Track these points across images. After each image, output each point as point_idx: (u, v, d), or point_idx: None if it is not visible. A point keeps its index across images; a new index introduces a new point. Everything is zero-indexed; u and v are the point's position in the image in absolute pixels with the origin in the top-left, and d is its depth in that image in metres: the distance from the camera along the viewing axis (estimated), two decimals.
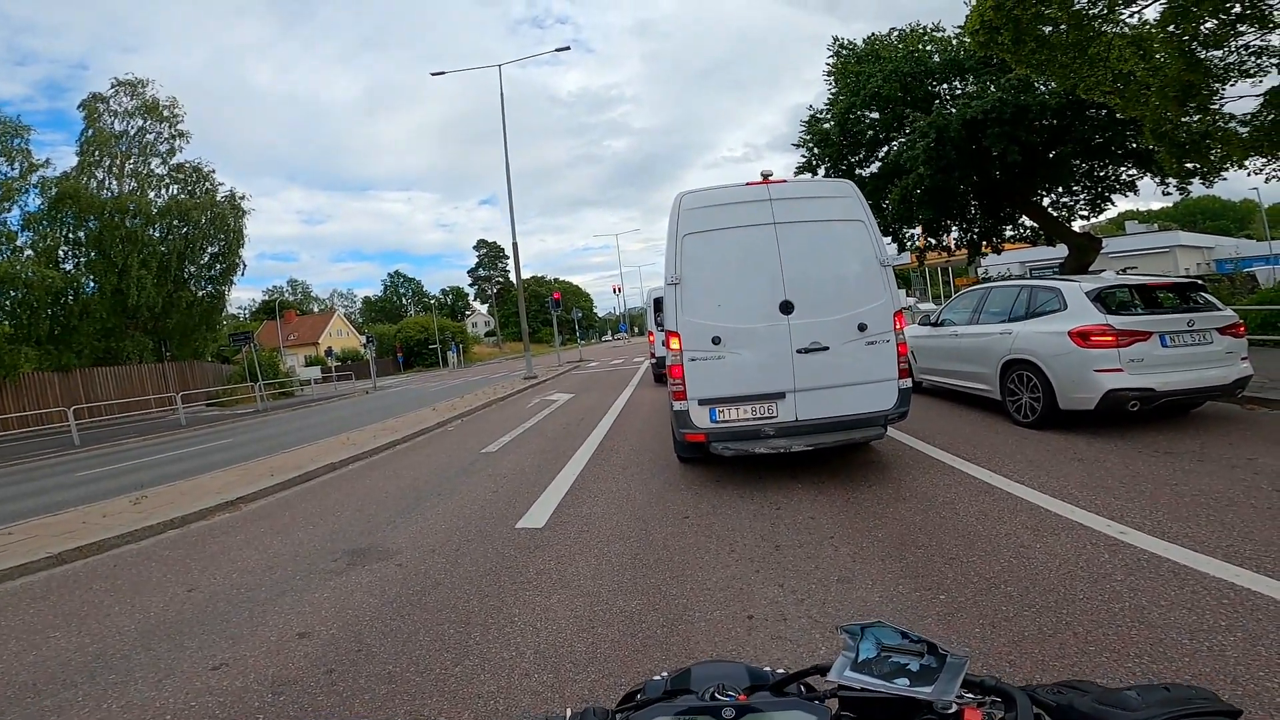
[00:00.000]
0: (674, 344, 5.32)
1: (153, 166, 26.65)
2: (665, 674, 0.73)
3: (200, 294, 28.14)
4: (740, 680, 0.69)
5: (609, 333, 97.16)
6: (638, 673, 2.69)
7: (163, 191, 26.65)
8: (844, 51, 18.38)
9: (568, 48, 26.11)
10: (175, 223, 26.04)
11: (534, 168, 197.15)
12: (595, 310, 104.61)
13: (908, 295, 32.07)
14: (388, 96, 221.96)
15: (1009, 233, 19.26)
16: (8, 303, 20.78)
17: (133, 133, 26.14)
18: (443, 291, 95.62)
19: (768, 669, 0.72)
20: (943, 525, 4.15)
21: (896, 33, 17.85)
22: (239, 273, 29.33)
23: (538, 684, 2.73)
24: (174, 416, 19.61)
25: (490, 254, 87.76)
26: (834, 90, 18.36)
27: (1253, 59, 9.32)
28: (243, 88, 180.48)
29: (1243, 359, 6.14)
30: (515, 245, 22.97)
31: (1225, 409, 6.69)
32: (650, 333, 15.20)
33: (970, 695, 0.64)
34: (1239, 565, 3.13)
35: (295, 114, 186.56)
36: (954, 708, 0.62)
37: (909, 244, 20.10)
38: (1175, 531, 3.64)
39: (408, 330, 62.68)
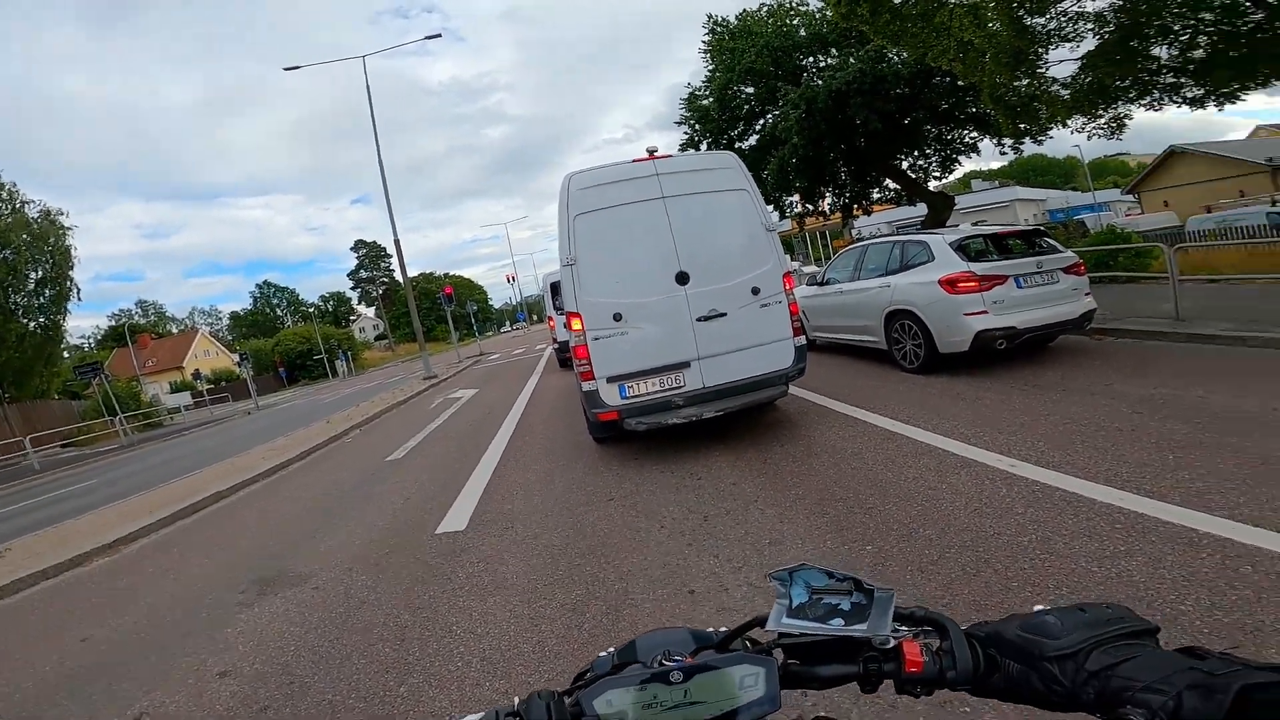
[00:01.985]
0: (576, 325, 5.33)
1: None
2: (611, 650, 0.72)
3: (32, 326, 25.05)
4: (685, 644, 0.70)
5: (507, 323, 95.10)
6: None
7: None
8: (718, 29, 18.76)
9: (438, 35, 24.75)
10: None
11: (410, 161, 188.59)
12: (491, 302, 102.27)
13: (792, 259, 33.66)
14: (235, 98, 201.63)
15: (876, 195, 20.59)
16: None
17: None
18: (322, 298, 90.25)
19: (710, 630, 0.73)
20: (856, 476, 4.41)
21: (766, 8, 18.40)
22: (73, 298, 26.34)
23: (491, 692, 2.66)
24: (26, 462, 17.35)
25: (371, 254, 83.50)
26: (710, 68, 18.80)
27: (1070, 25, 10.39)
28: (55, 100, 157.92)
29: (1086, 294, 6.92)
30: (397, 243, 21.77)
31: (1077, 341, 7.52)
32: (550, 318, 15.08)
33: (904, 628, 0.66)
34: (1121, 489, 3.46)
35: (122, 122, 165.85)
36: (891, 642, 0.64)
37: (789, 211, 21.11)
38: (1058, 460, 4.03)
39: (286, 342, 58.26)
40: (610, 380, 5.33)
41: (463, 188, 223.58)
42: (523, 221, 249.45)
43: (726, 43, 18.15)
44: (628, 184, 5.37)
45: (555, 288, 13.69)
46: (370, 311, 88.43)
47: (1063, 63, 10.97)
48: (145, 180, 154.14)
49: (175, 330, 76.45)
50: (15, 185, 25.22)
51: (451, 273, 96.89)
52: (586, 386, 5.39)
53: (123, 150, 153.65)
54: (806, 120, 15.54)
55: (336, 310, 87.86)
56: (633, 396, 5.37)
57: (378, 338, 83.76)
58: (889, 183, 19.65)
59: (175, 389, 45.85)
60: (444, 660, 2.97)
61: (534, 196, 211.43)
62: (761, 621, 0.69)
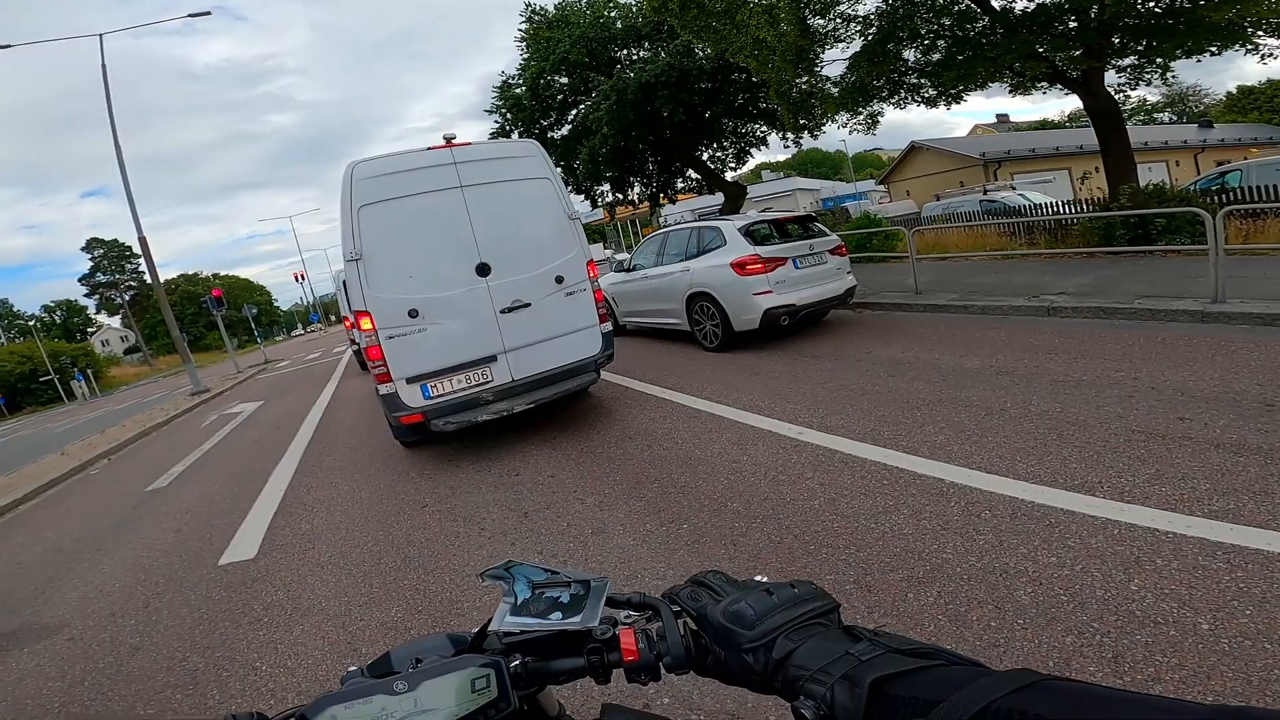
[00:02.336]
0: (365, 324, 4.93)
1: None
2: (359, 666, 0.68)
3: None
4: (444, 650, 0.68)
5: (299, 326, 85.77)
6: None
7: None
8: (535, 17, 18.66)
9: (208, 13, 20.93)
10: None
11: (168, 152, 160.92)
12: (277, 303, 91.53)
13: (604, 248, 34.43)
14: None
15: (680, 185, 21.87)
16: None
17: None
18: (46, 308, 73.76)
19: (471, 631, 0.71)
20: (668, 456, 4.61)
21: None
22: None
23: None
24: None
25: (111, 254, 69.78)
26: (525, 56, 18.65)
27: (844, 26, 11.80)
28: None
29: (848, 273, 7.95)
30: (143, 240, 17.96)
31: (844, 316, 8.63)
32: (346, 318, 14.14)
33: (626, 615, 0.66)
34: (885, 447, 3.95)
35: None
36: (611, 632, 0.64)
37: (600, 200, 21.55)
38: (835, 424, 4.55)
39: (2, 364, 46.85)
40: (410, 380, 5.03)
41: (238, 180, 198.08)
42: (315, 215, 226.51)
43: (543, 32, 18.17)
44: (421, 173, 5.07)
45: (348, 285, 12.80)
46: (115, 321, 74.41)
47: (835, 63, 12.46)
48: None
49: None
50: None
51: (224, 272, 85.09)
52: (384, 389, 5.02)
53: None
54: (617, 111, 16.00)
55: (68, 322, 72.58)
56: (437, 396, 5.12)
57: (128, 350, 70.91)
58: (691, 172, 20.84)
59: None
60: (252, 700, 2.63)
61: (329, 188, 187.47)
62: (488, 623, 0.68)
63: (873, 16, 11.70)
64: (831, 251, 7.78)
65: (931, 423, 4.24)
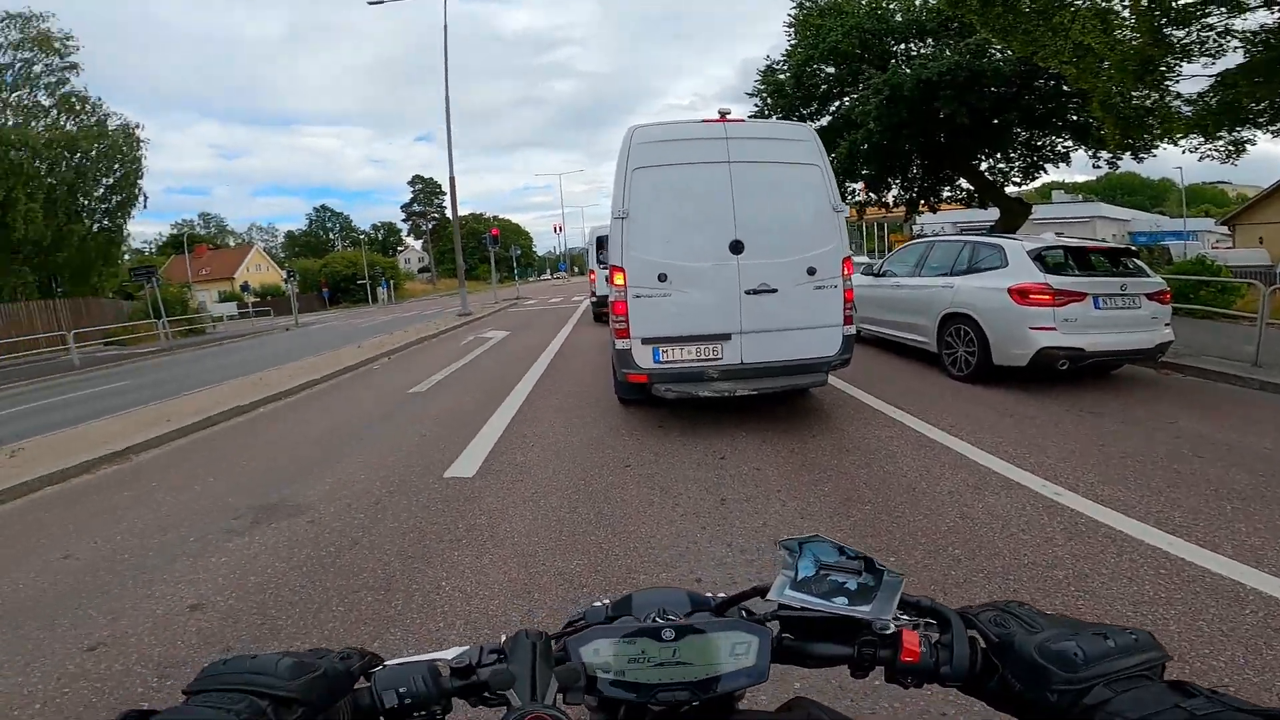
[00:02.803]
0: (619, 279, 5.14)
1: (39, 98, 24.77)
2: (605, 601, 0.70)
3: (95, 228, 26.42)
4: (681, 605, 0.68)
5: (548, 271, 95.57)
6: None
7: (49, 123, 24.76)
8: (807, 4, 18.08)
9: None
10: (64, 154, 24.37)
11: (474, 108, 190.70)
12: (535, 249, 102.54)
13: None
14: (315, 32, 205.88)
15: (946, 193, 19.83)
16: None
17: (17, 65, 24.07)
18: (374, 227, 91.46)
19: (709, 595, 0.71)
20: (887, 480, 4.10)
21: None
22: (138, 205, 27.55)
23: None
24: (66, 357, 17.74)
25: (426, 190, 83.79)
26: (793, 42, 18.17)
27: (1214, 38, 9.48)
28: (146, 21, 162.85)
29: (1166, 325, 6.35)
30: (452, 180, 22.11)
31: (1141, 372, 6.97)
32: (592, 271, 15.14)
33: (906, 616, 0.64)
34: (1170, 533, 3.17)
35: (209, 49, 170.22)
36: (892, 628, 0.61)
37: (849, 198, 20.32)
38: (1108, 495, 3.68)
39: (334, 265, 59.04)
40: (645, 342, 5.16)
41: (524, 138, 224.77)
42: (579, 175, 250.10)
43: (814, 19, 17.50)
44: (693, 144, 5.15)
45: (601, 241, 13.95)
46: (418, 244, 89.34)
47: (1193, 78, 10.08)
48: (226, 104, 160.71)
49: (233, 244, 78.27)
50: (100, 99, 26.25)
51: (500, 215, 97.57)
52: (620, 344, 5.21)
53: (207, 76, 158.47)
54: (888, 107, 14.97)
55: (386, 240, 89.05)
56: (666, 362, 5.19)
57: (421, 270, 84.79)
58: (963, 182, 18.92)
59: (224, 298, 46.99)
60: (426, 618, 2.80)
61: (595, 154, 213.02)
62: (763, 591, 0.67)
63: (1262, 32, 9.10)
64: (1150, 296, 6.26)
65: (1245, 520, 3.28)
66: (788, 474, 4.29)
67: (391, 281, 56.04)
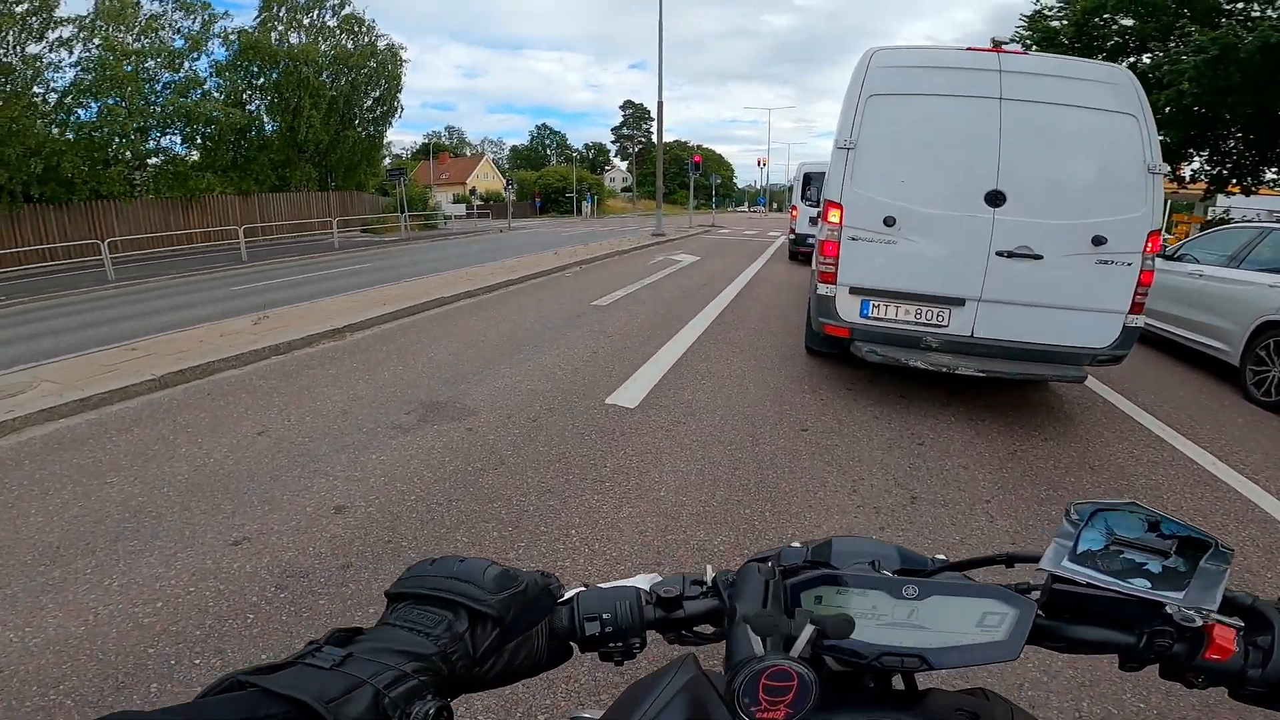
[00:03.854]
0: (833, 216, 4.31)
1: (326, 20, 28.25)
2: (803, 544, 0.61)
3: (362, 134, 30.37)
4: (892, 561, 0.59)
5: (746, 203, 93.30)
6: None
7: (331, 41, 28.31)
8: None
9: None
10: (343, 69, 28.04)
11: (686, 36, 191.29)
12: (736, 181, 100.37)
13: None
14: None
15: (1272, 174, 15.82)
16: (198, 137, 23.39)
17: None
18: (585, 146, 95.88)
19: (928, 556, 0.61)
20: None
21: None
22: (397, 115, 31.33)
23: (618, 687, 2.11)
24: (329, 240, 20.95)
25: (635, 115, 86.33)
26: None
27: None
28: None
29: None
30: (660, 105, 22.61)
31: None
32: (794, 207, 14.25)
33: (1217, 610, 0.52)
34: None
35: None
36: (1198, 620, 0.51)
37: None
38: None
39: (548, 178, 62.98)
40: (854, 291, 4.36)
41: (731, 70, 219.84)
42: (789, 112, 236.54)
43: None
44: (953, 73, 4.13)
45: (808, 178, 13.20)
46: (623, 165, 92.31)
47: None
48: (470, 29, 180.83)
49: (468, 154, 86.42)
50: (374, 21, 29.72)
51: (705, 145, 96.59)
52: (822, 289, 4.43)
53: (457, 2, 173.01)
54: (1213, 68, 12.00)
55: (595, 159, 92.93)
56: (876, 318, 4.35)
57: (623, 189, 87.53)
58: None
59: (456, 200, 52.33)
60: (549, 563, 2.49)
61: (808, 91, 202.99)
62: (1031, 558, 0.58)
63: None
64: None
65: None
66: (1004, 481, 3.32)
67: (595, 197, 58.17)
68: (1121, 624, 0.56)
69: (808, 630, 0.47)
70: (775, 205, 70.41)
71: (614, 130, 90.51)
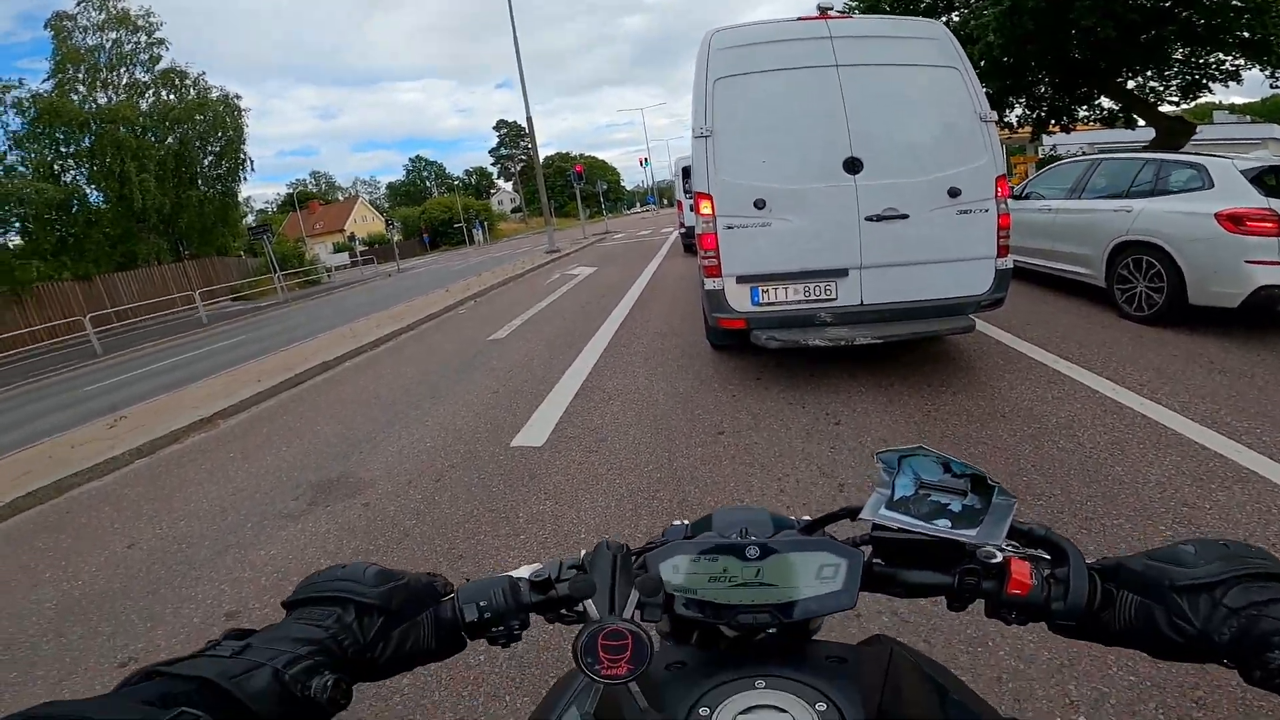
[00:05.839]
0: (705, 208, 4.29)
1: (137, 75, 26.33)
2: (685, 521, 0.65)
3: (209, 193, 28.41)
4: (764, 526, 0.62)
5: (637, 204, 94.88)
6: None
7: (151, 99, 26.45)
8: None
9: None
10: (170, 126, 26.15)
11: (548, 51, 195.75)
12: (622, 183, 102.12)
13: None
14: None
15: (1083, 112, 17.32)
16: (14, 219, 21.34)
17: (108, 45, 25.40)
18: (466, 172, 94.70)
19: (794, 517, 0.64)
20: (1065, 461, 3.09)
21: None
22: (247, 169, 29.46)
23: (529, 681, 2.04)
24: (196, 315, 18.94)
25: (511, 133, 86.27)
26: None
27: None
28: (240, 7, 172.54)
29: None
30: (530, 120, 22.47)
31: None
32: (679, 202, 14.71)
33: (1015, 545, 0.58)
34: None
35: (290, 20, 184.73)
36: (998, 556, 0.56)
37: None
38: None
39: (432, 211, 61.18)
40: (740, 280, 4.33)
41: (600, 76, 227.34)
42: (660, 109, 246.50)
43: None
44: (788, 45, 4.20)
45: (686, 172, 13.54)
46: (509, 186, 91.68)
47: None
48: (316, 69, 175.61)
49: (341, 197, 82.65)
50: (203, 73, 27.84)
51: (586, 153, 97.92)
52: (710, 284, 4.39)
53: (293, 45, 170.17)
54: (1009, 19, 12.91)
55: (478, 184, 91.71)
56: (767, 304, 4.34)
57: (513, 210, 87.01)
58: (1105, 101, 16.55)
59: (337, 249, 49.67)
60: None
61: (674, 86, 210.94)
62: (853, 512, 0.62)
63: None
64: None
65: None
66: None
67: (485, 223, 57.25)
68: (939, 565, 0.58)
69: (633, 595, 0.52)
70: (665, 201, 72.01)
71: (491, 152, 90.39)
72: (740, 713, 0.51)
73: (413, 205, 71.89)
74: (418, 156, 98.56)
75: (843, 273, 4.22)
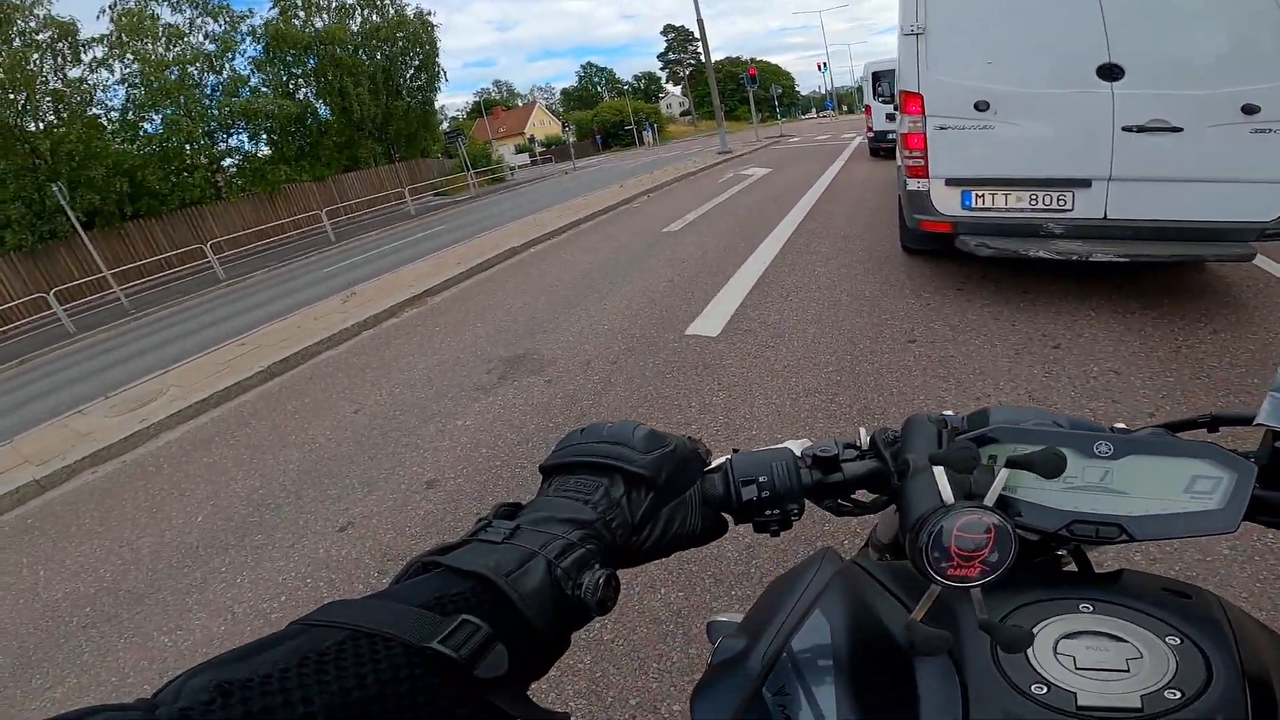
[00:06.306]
0: (913, 107, 3.76)
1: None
2: (949, 413, 0.52)
3: (411, 103, 31.02)
4: (1047, 424, 0.48)
5: (813, 109, 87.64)
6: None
7: (359, 20, 28.78)
8: None
9: None
10: (376, 44, 28.57)
11: None
12: (798, 89, 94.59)
13: None
14: None
15: None
16: (263, 132, 24.67)
17: None
18: (635, 77, 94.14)
19: (1104, 425, 0.49)
20: None
21: None
22: (442, 80, 31.85)
23: (660, 605, 1.99)
24: (405, 208, 21.56)
25: (679, 38, 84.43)
26: None
27: None
28: None
29: None
30: (701, 24, 21.56)
31: None
32: (868, 106, 13.38)
33: None
34: None
35: None
36: None
37: None
38: None
39: (603, 114, 62.02)
40: (951, 183, 3.81)
41: None
42: (842, 12, 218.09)
43: None
44: None
45: (876, 77, 12.59)
46: (677, 90, 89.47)
47: None
48: None
49: (520, 104, 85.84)
50: None
51: (758, 58, 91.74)
52: (913, 185, 3.91)
53: None
54: None
55: (647, 88, 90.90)
56: (981, 208, 3.79)
57: (682, 114, 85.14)
58: None
59: (518, 150, 52.45)
60: None
61: None
62: (1224, 419, 0.51)
63: None
64: None
65: None
66: (1168, 388, 2.72)
67: (655, 125, 56.71)
68: None
69: (1003, 474, 0.42)
70: (845, 107, 65.86)
71: (660, 57, 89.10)
72: (1064, 636, 0.42)
73: (585, 109, 72.95)
74: (589, 63, 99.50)
75: (1085, 183, 3.53)
